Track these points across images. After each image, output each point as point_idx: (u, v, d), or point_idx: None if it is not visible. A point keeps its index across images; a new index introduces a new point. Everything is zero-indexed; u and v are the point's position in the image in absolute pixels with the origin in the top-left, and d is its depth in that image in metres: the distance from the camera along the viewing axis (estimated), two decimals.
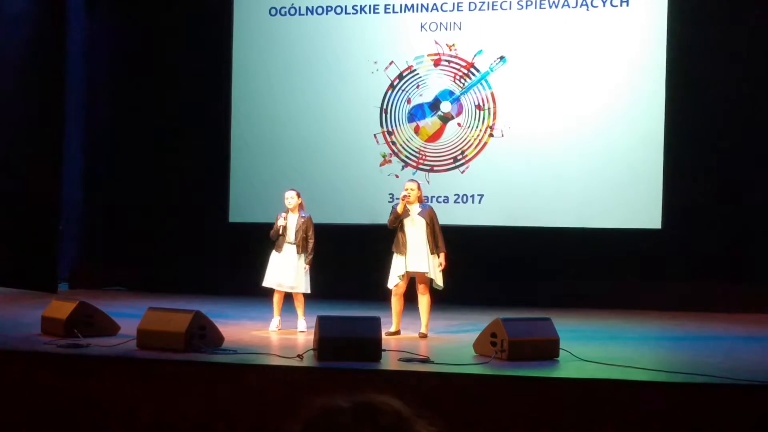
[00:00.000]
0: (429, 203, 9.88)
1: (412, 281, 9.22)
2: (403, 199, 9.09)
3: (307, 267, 9.35)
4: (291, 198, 9.44)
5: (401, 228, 9.10)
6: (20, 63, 12.99)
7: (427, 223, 9.10)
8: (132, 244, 13.71)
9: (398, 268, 9.10)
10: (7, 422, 6.95)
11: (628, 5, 12.30)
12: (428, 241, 9.06)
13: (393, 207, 9.22)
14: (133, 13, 13.93)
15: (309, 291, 9.38)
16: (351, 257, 12.23)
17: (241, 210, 13.21)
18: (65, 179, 13.02)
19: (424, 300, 9.10)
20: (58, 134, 12.73)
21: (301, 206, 9.48)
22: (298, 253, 9.34)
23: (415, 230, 9.09)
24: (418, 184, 9.33)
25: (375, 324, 7.65)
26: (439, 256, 9.09)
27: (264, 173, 13.14)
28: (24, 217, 12.56)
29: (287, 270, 9.32)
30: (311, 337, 8.01)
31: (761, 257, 11.98)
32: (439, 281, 9.12)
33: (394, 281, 9.15)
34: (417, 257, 9.04)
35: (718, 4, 12.19)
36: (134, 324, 8.08)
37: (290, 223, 9.39)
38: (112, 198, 13.90)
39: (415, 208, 9.17)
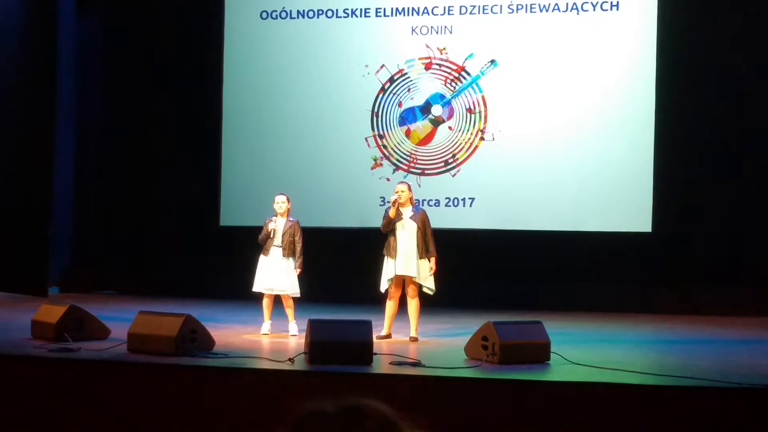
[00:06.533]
0: (421, 206, 9.85)
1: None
2: (393, 204, 9.06)
3: (299, 270, 9.36)
4: (282, 203, 9.46)
5: (392, 231, 9.08)
6: (11, 66, 12.95)
7: (418, 227, 9.06)
8: (123, 247, 13.68)
9: (388, 271, 9.09)
10: None
11: (618, 9, 12.34)
12: (418, 245, 9.04)
13: (386, 211, 9.16)
14: (125, 17, 13.92)
15: (299, 294, 9.37)
16: (342, 260, 12.23)
17: (233, 213, 13.20)
18: (56, 182, 12.98)
19: (413, 303, 9.09)
20: (49, 137, 12.70)
21: (288, 211, 9.51)
22: (284, 256, 9.34)
23: (406, 234, 9.05)
24: (409, 186, 9.28)
25: (366, 327, 7.64)
26: (429, 261, 9.07)
27: (255, 177, 13.13)
28: (15, 221, 12.52)
29: (276, 273, 9.32)
30: (302, 340, 8.01)
31: (751, 260, 12.02)
32: (431, 285, 9.10)
33: (384, 285, 9.14)
34: (406, 261, 9.00)
35: (709, 9, 12.22)
36: (125, 328, 8.06)
37: (278, 226, 9.42)
38: (102, 201, 13.88)
39: (407, 211, 9.13)
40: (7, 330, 9.17)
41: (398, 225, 9.06)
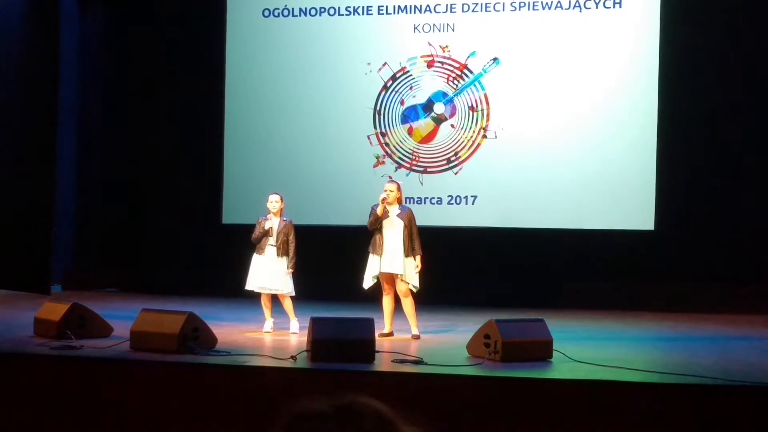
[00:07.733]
0: (408, 205, 9.83)
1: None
2: (382, 201, 9.07)
3: (292, 270, 9.35)
4: (276, 201, 9.47)
5: (379, 229, 9.09)
6: (13, 66, 12.94)
7: (405, 225, 9.07)
8: (125, 245, 13.70)
9: (373, 268, 9.11)
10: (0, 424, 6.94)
11: (621, 7, 12.33)
12: (405, 243, 9.04)
13: (372, 208, 9.15)
14: (126, 16, 13.93)
15: (293, 293, 9.38)
16: (344, 258, 12.19)
17: (235, 211, 13.20)
18: (59, 180, 12.98)
19: (407, 302, 9.08)
20: (51, 136, 12.69)
21: (281, 210, 9.50)
22: (278, 255, 9.35)
23: (393, 232, 9.06)
24: (398, 185, 9.30)
25: (368, 325, 7.64)
26: (415, 259, 9.07)
27: (257, 175, 13.13)
28: (17, 219, 12.52)
29: (270, 272, 9.33)
30: (304, 338, 8.02)
31: (753, 258, 12.02)
32: (415, 282, 9.09)
33: (369, 282, 9.15)
34: (392, 258, 9.01)
35: (712, 6, 12.21)
36: (127, 325, 8.06)
37: (274, 225, 9.42)
38: (105, 199, 13.89)
39: (394, 210, 9.13)
40: (9, 328, 9.18)
41: (385, 223, 9.08)
